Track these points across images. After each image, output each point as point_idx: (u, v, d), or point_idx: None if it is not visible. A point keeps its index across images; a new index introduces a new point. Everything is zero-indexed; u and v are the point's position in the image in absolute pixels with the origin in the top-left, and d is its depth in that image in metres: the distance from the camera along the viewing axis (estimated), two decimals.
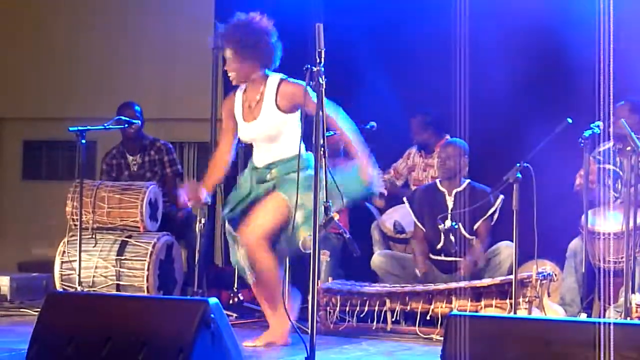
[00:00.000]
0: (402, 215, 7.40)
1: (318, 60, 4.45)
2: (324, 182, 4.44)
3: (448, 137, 7.62)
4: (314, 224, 4.28)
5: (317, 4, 8.01)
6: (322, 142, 4.32)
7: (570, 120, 6.05)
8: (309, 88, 5.12)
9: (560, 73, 7.61)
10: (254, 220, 5.54)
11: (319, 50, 4.45)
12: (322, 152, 4.36)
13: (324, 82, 4.43)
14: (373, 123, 7.37)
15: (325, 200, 4.42)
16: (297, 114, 5.57)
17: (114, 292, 7.05)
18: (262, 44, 5.53)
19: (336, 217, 4.48)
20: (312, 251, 4.26)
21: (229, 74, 5.59)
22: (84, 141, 6.91)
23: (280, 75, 5.58)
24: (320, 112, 4.29)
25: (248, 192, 5.67)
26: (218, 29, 5.65)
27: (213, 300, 4.26)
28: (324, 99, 4.47)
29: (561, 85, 7.60)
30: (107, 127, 7.28)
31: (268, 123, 5.54)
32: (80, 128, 6.92)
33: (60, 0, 9.84)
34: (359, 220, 7.54)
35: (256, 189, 5.64)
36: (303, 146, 5.44)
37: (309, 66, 4.47)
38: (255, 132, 5.60)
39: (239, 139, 5.78)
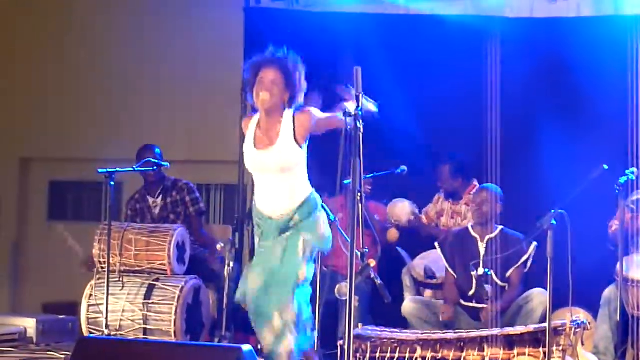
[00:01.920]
0: (432, 260, 7.33)
1: (356, 104, 4.39)
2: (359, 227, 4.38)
3: (476, 182, 7.57)
4: (349, 271, 4.21)
5: (348, 46, 8.02)
6: (359, 187, 4.25)
7: (606, 167, 5.98)
8: (312, 108, 5.36)
9: (595, 118, 7.57)
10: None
11: (357, 94, 4.40)
12: (359, 197, 4.29)
13: (361, 126, 4.37)
14: (404, 167, 7.35)
15: (362, 246, 4.35)
16: (305, 149, 5.48)
17: (141, 336, 6.98)
18: (301, 80, 5.51)
19: (372, 264, 4.41)
20: (347, 298, 4.19)
21: (263, 95, 5.37)
22: (112, 183, 6.87)
23: (291, 111, 5.49)
24: (358, 159, 4.22)
25: (271, 240, 5.50)
26: (266, 53, 5.59)
27: (247, 347, 4.20)
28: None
29: (596, 130, 7.54)
30: (136, 169, 7.25)
31: (284, 150, 5.40)
32: (109, 170, 6.89)
33: (87, 41, 9.84)
34: (389, 264, 7.47)
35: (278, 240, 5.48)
36: (310, 186, 5.50)
37: (347, 110, 4.41)
38: (269, 160, 5.43)
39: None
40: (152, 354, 4.32)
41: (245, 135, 5.56)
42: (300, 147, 5.43)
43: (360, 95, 4.40)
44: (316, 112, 5.41)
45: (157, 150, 7.78)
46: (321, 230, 5.46)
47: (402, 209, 7.57)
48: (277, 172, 5.44)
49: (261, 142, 5.48)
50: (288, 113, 5.45)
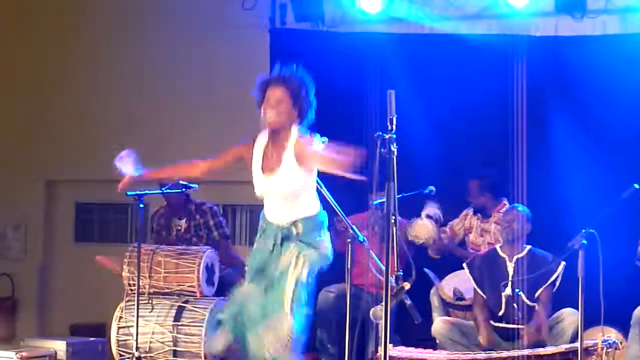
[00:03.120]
0: (460, 281, 7.31)
1: (390, 127, 4.39)
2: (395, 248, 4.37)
3: (506, 201, 7.55)
4: (385, 293, 4.20)
5: (373, 67, 8.04)
6: (393, 210, 4.25)
7: (637, 186, 5.96)
8: (317, 137, 5.33)
9: (623, 137, 7.56)
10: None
11: (391, 117, 4.40)
12: (393, 221, 4.28)
13: (395, 150, 4.37)
14: (432, 187, 7.34)
15: (397, 268, 4.35)
16: (314, 173, 5.48)
17: (171, 358, 7.00)
18: (309, 98, 5.51)
19: (407, 286, 4.41)
20: (383, 321, 4.18)
21: (270, 113, 5.37)
22: (142, 205, 6.88)
23: (297, 132, 5.46)
24: (392, 182, 4.22)
25: (271, 249, 5.51)
26: (274, 70, 5.59)
27: None
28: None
29: (624, 149, 7.53)
30: (165, 191, 7.26)
31: (289, 176, 5.39)
32: (138, 192, 6.90)
33: (113, 62, 9.88)
34: (416, 285, 7.40)
35: (278, 248, 5.49)
36: (320, 205, 5.50)
37: (380, 133, 4.41)
38: (275, 187, 5.43)
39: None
40: None
41: (251, 160, 5.52)
42: (305, 171, 5.41)
43: (394, 118, 4.40)
44: (316, 147, 5.31)
45: None
46: (324, 250, 5.49)
47: (421, 227, 7.54)
48: (283, 197, 5.46)
49: (267, 167, 5.47)
50: (293, 133, 5.42)
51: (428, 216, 7.51)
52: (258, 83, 5.50)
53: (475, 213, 7.81)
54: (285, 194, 5.43)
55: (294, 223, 5.45)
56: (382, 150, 4.41)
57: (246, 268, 5.64)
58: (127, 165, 5.65)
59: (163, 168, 5.86)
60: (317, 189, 6.12)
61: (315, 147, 5.33)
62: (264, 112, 5.41)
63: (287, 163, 5.39)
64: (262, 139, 5.52)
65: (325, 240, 5.52)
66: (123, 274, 7.27)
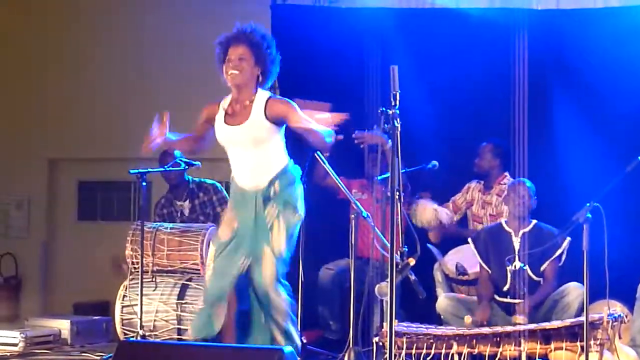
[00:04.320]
0: (464, 256, 7.30)
1: (393, 103, 4.37)
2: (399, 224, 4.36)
3: (507, 174, 7.54)
4: (390, 269, 4.19)
5: (375, 42, 8.00)
6: (397, 185, 4.23)
7: None
8: (292, 102, 5.36)
9: (626, 110, 7.53)
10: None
11: (394, 92, 4.38)
12: (397, 196, 4.27)
13: (399, 125, 4.35)
14: (435, 162, 7.31)
15: (402, 244, 4.34)
16: (282, 129, 5.48)
17: (176, 336, 7.00)
18: (272, 55, 5.51)
19: (412, 262, 4.40)
20: (389, 297, 4.17)
21: (232, 72, 5.38)
22: (144, 183, 6.87)
23: (268, 93, 5.50)
24: (397, 159, 4.20)
25: (253, 218, 5.46)
26: (235, 27, 5.55)
27: (288, 348, 4.17)
28: None
29: (626, 122, 7.50)
30: (167, 169, 7.24)
31: (256, 126, 5.39)
32: (141, 170, 6.89)
33: (113, 41, 9.84)
34: (420, 261, 7.40)
35: (261, 213, 5.45)
36: (289, 158, 5.50)
37: (383, 109, 4.39)
38: (241, 135, 5.41)
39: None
40: (194, 357, 4.31)
41: (215, 117, 5.52)
42: (273, 124, 5.40)
43: (397, 93, 4.37)
44: (295, 109, 5.36)
45: (177, 153, 7.78)
46: (298, 210, 5.47)
47: (423, 211, 7.52)
48: (249, 146, 5.42)
49: (232, 119, 5.46)
50: (262, 94, 5.45)
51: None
52: (218, 42, 5.49)
53: (478, 181, 7.78)
54: (253, 141, 5.39)
55: (271, 183, 5.42)
56: (386, 125, 4.40)
57: (213, 242, 5.57)
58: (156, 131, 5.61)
59: (179, 139, 5.77)
60: (317, 159, 6.11)
61: (297, 111, 5.33)
62: (225, 73, 5.42)
63: (256, 114, 5.39)
64: (225, 101, 5.54)
65: (299, 197, 5.49)
66: (126, 252, 7.26)
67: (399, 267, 4.38)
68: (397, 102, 4.40)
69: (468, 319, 6.55)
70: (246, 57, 5.41)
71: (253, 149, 5.42)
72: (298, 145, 6.46)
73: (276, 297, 5.36)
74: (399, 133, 4.39)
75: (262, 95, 5.45)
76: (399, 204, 4.32)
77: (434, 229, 7.53)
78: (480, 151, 7.68)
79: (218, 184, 7.95)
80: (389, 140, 4.48)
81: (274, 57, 5.51)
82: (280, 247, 5.37)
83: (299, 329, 6.93)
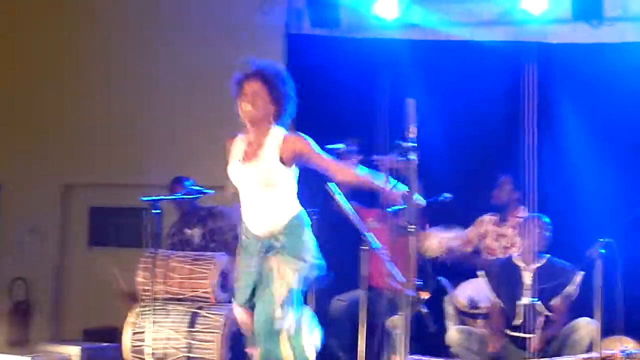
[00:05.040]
0: (475, 289, 7.27)
1: (408, 136, 4.37)
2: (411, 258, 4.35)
3: (523, 208, 7.52)
4: (405, 305, 4.18)
5: (389, 72, 8.02)
6: (413, 219, 4.22)
7: None
8: (309, 138, 5.27)
9: None
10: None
11: (410, 125, 4.38)
12: (411, 230, 4.26)
13: (416, 158, 4.35)
14: (447, 194, 7.30)
15: (416, 278, 4.33)
16: (295, 170, 5.40)
17: None
18: (288, 93, 5.43)
19: (425, 296, 4.39)
20: (401, 331, 4.16)
21: (245, 107, 5.30)
22: (158, 211, 6.86)
23: (283, 130, 5.42)
24: (412, 192, 4.19)
25: (257, 269, 5.38)
26: (251, 62, 5.53)
27: None
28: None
29: None
30: (179, 197, 7.25)
31: (269, 166, 5.30)
32: (153, 198, 6.88)
33: (128, 67, 9.87)
34: (431, 293, 7.42)
35: (261, 262, 5.37)
36: (298, 203, 5.41)
37: (399, 141, 4.39)
38: (251, 174, 5.33)
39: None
40: None
41: (231, 152, 5.47)
42: (286, 167, 5.32)
43: (413, 126, 4.38)
44: (312, 146, 5.31)
45: (187, 183, 7.79)
46: (308, 255, 5.34)
47: (431, 242, 7.50)
48: (260, 187, 5.33)
49: (247, 156, 5.40)
50: (277, 130, 5.36)
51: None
52: (234, 79, 5.42)
53: (493, 214, 7.76)
54: (264, 182, 5.31)
55: (275, 236, 5.32)
56: (400, 158, 4.39)
57: (236, 287, 5.53)
58: None
59: None
60: (328, 192, 6.09)
61: (314, 148, 5.29)
62: (240, 108, 5.34)
63: (268, 154, 5.31)
64: (241, 136, 5.47)
65: (310, 247, 5.37)
66: (137, 279, 7.25)
67: (412, 301, 4.36)
68: (413, 136, 4.39)
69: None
70: (260, 93, 5.34)
71: (263, 191, 5.33)
72: (312, 174, 6.47)
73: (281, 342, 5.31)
74: (415, 166, 4.38)
75: (277, 132, 5.36)
76: (411, 237, 4.30)
77: (447, 255, 7.51)
78: (500, 183, 7.65)
79: (228, 211, 7.92)
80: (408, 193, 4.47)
81: (289, 94, 5.43)
82: (281, 296, 5.27)
83: None
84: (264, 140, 5.34)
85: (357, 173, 5.39)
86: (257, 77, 5.37)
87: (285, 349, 5.21)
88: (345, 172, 5.37)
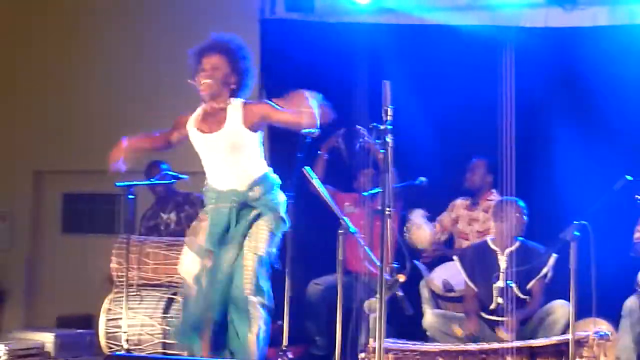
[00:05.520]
0: (450, 273, 7.30)
1: (385, 118, 4.37)
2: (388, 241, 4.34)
3: (494, 192, 7.54)
4: (379, 285, 4.18)
5: (364, 57, 8.01)
6: (388, 202, 4.22)
7: (630, 178, 5.95)
8: (268, 101, 5.34)
9: (613, 128, 7.56)
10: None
11: (386, 107, 4.37)
12: (388, 213, 4.26)
13: (391, 141, 4.35)
14: (423, 178, 7.31)
15: (393, 261, 4.33)
16: (259, 134, 5.45)
17: (160, 350, 6.94)
18: (248, 66, 5.46)
19: (402, 279, 4.39)
20: (377, 314, 4.16)
21: (205, 82, 5.33)
22: (131, 197, 6.82)
23: (241, 99, 5.44)
24: (388, 174, 4.19)
25: (227, 223, 5.42)
26: (211, 36, 5.50)
27: None
28: None
29: (614, 140, 7.53)
30: (154, 182, 7.20)
31: (233, 133, 5.34)
32: (127, 183, 6.84)
33: (100, 54, 9.81)
34: (407, 277, 7.41)
35: (236, 219, 5.40)
36: (268, 166, 5.49)
37: (375, 124, 4.39)
38: (217, 142, 5.36)
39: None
40: None
41: (186, 125, 5.49)
42: (250, 131, 5.36)
43: (389, 109, 4.37)
44: (273, 106, 5.35)
45: (164, 166, 7.75)
46: (279, 216, 5.43)
47: (419, 232, 7.51)
48: (226, 153, 5.38)
49: (206, 127, 5.41)
50: (236, 101, 5.39)
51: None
52: (191, 53, 5.44)
53: (464, 198, 7.78)
54: (230, 147, 5.35)
55: (250, 187, 5.37)
56: (377, 141, 4.39)
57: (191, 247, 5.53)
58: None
59: (139, 137, 5.83)
60: (304, 174, 6.07)
61: (275, 106, 5.33)
62: (199, 81, 5.36)
63: (232, 121, 5.33)
64: (196, 112, 5.50)
65: (282, 204, 5.47)
66: (111, 265, 7.22)
67: (389, 283, 4.36)
68: (389, 118, 4.39)
69: (458, 330, 6.54)
70: (220, 67, 5.36)
71: (230, 155, 5.38)
72: (286, 160, 6.47)
73: (252, 309, 5.30)
74: (390, 149, 4.38)
75: (236, 102, 5.40)
76: (388, 220, 4.30)
77: (429, 248, 7.54)
78: (472, 167, 7.68)
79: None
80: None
81: (249, 68, 5.46)
82: (261, 249, 5.31)
83: (287, 343, 6.94)
84: (223, 112, 5.35)
85: (314, 109, 5.35)
86: (215, 51, 5.38)
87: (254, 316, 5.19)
88: (307, 114, 5.32)
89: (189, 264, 5.48)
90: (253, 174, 5.41)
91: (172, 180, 7.39)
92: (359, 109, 7.40)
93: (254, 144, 5.42)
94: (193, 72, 5.39)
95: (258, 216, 5.37)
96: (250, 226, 5.37)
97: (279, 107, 5.32)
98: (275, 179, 5.52)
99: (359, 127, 6.67)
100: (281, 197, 5.49)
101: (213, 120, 5.40)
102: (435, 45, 8.13)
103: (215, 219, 5.41)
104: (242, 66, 5.42)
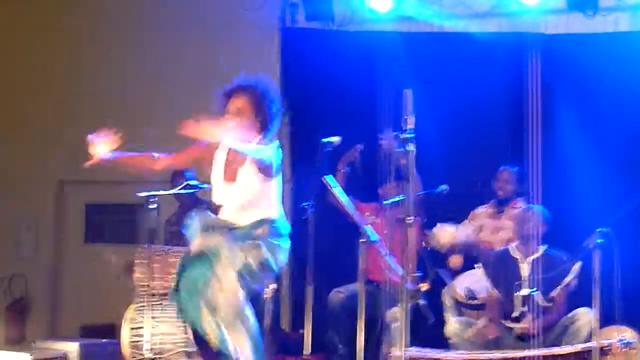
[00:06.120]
0: (472, 280, 7.27)
1: (406, 127, 4.37)
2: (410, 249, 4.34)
3: (520, 200, 7.52)
4: (402, 294, 4.18)
5: (383, 65, 8.02)
6: (410, 210, 4.22)
7: None
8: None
9: (638, 134, 7.51)
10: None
11: (407, 116, 4.38)
12: (409, 222, 4.25)
13: (413, 149, 4.34)
14: (444, 186, 7.29)
15: (416, 270, 4.33)
16: (276, 179, 5.34)
17: (183, 359, 6.95)
18: (273, 108, 5.39)
19: (424, 287, 4.39)
20: (401, 323, 4.16)
21: (229, 123, 5.26)
22: (154, 206, 6.83)
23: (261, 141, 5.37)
24: (410, 183, 4.19)
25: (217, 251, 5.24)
26: (240, 77, 5.49)
27: None
28: None
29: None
30: (177, 192, 7.20)
31: (246, 185, 5.28)
32: (150, 193, 6.85)
33: (125, 63, 9.85)
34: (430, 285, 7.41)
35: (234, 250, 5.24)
36: (281, 212, 5.35)
37: (397, 133, 4.39)
38: (233, 196, 5.32)
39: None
40: None
41: (214, 163, 5.44)
42: (264, 179, 5.27)
43: (410, 117, 4.37)
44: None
45: (189, 174, 7.76)
46: (279, 256, 5.28)
47: (442, 233, 7.49)
48: (240, 206, 5.32)
49: (227, 175, 5.38)
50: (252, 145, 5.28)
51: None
52: (219, 92, 5.41)
53: (487, 206, 7.74)
54: (243, 203, 5.29)
55: (259, 223, 5.26)
56: (400, 149, 4.39)
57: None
58: (101, 145, 5.61)
59: (132, 155, 5.81)
60: (326, 185, 6.06)
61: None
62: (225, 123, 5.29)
63: (245, 172, 5.28)
64: (222, 149, 5.42)
65: (282, 248, 5.30)
66: (135, 275, 7.23)
67: (411, 292, 4.36)
68: (411, 126, 4.39)
69: (473, 330, 6.55)
70: (245, 110, 5.33)
71: (244, 209, 5.31)
72: (308, 168, 6.47)
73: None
74: (413, 157, 4.38)
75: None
76: (410, 228, 4.30)
77: (457, 251, 7.51)
78: (502, 175, 7.62)
79: None
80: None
81: (274, 112, 5.39)
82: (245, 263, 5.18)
83: (309, 352, 6.93)
84: (241, 159, 5.29)
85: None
86: (242, 93, 5.35)
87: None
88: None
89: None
90: (262, 216, 5.32)
91: (194, 190, 7.39)
92: (380, 117, 7.41)
93: (268, 191, 5.33)
94: (220, 111, 5.38)
95: (257, 247, 5.28)
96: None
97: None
98: (285, 226, 5.38)
99: (381, 136, 6.67)
100: (285, 245, 5.35)
101: (232, 168, 5.35)
102: (456, 53, 8.14)
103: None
104: (268, 109, 5.37)
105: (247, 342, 5.09)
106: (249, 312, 5.18)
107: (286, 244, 5.36)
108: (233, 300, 5.07)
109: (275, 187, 5.35)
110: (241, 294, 5.09)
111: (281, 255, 5.32)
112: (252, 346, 5.10)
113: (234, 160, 5.37)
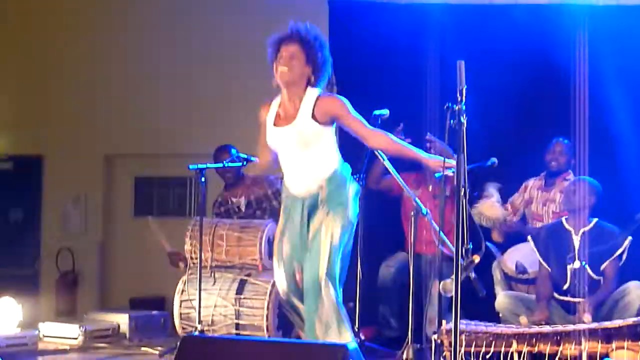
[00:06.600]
0: (523, 254, 7.24)
1: (459, 99, 4.34)
2: (463, 223, 4.32)
3: (571, 172, 7.47)
4: (455, 266, 4.17)
5: (433, 38, 7.97)
6: (463, 182, 4.20)
7: None
8: (344, 99, 5.28)
9: None
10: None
11: (461, 87, 4.34)
12: (463, 193, 4.23)
13: (465, 121, 4.32)
14: (494, 159, 7.24)
15: (467, 242, 4.31)
16: (332, 128, 5.40)
17: (234, 331, 7.01)
18: (324, 56, 5.43)
19: (477, 260, 4.37)
20: (454, 295, 4.15)
21: (282, 69, 5.30)
22: (203, 179, 6.87)
23: (318, 90, 5.40)
24: (462, 155, 4.16)
25: (299, 229, 5.41)
26: (290, 25, 5.50)
27: (352, 345, 4.16)
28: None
29: None
30: (226, 164, 7.22)
31: (304, 126, 5.31)
32: (200, 166, 6.88)
33: (165, 39, 9.87)
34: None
35: (305, 223, 5.39)
36: (340, 159, 5.40)
37: (450, 104, 4.36)
38: (288, 136, 5.35)
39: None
40: (257, 351, 4.31)
41: (266, 117, 5.49)
42: (322, 125, 5.32)
43: (464, 88, 4.34)
44: (347, 108, 5.32)
45: (233, 151, 7.79)
46: (350, 211, 5.33)
47: (489, 208, 7.47)
48: (299, 148, 5.36)
49: (281, 120, 5.42)
50: (312, 92, 5.37)
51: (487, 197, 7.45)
52: (270, 41, 5.43)
53: (537, 178, 7.70)
54: (301, 143, 5.34)
55: (320, 188, 5.34)
56: (452, 121, 4.37)
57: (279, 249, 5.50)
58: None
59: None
60: (375, 156, 6.05)
61: (349, 110, 5.31)
62: (276, 71, 5.35)
63: (304, 114, 5.32)
64: (276, 100, 5.50)
65: (350, 199, 5.36)
66: (185, 247, 7.29)
67: (464, 265, 4.35)
68: (464, 98, 4.36)
69: (523, 319, 6.49)
70: (297, 56, 5.35)
71: (301, 151, 5.36)
72: (356, 141, 6.45)
73: (325, 295, 5.24)
74: (464, 129, 4.36)
75: (312, 93, 5.37)
76: (464, 201, 4.28)
77: (498, 227, 7.49)
78: (556, 147, 7.57)
79: (273, 178, 7.90)
80: (454, 156, 4.45)
81: (326, 58, 5.43)
82: (335, 240, 5.28)
83: (357, 325, 6.94)
84: (299, 102, 5.36)
85: (392, 140, 5.39)
86: (294, 40, 5.38)
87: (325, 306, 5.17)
88: (379, 137, 5.39)
89: (279, 279, 5.49)
90: (323, 172, 5.36)
91: (243, 163, 7.39)
92: (428, 89, 7.38)
93: (325, 138, 5.37)
94: (271, 60, 5.40)
95: (328, 214, 5.33)
96: (321, 226, 5.34)
97: (353, 112, 5.31)
98: (346, 172, 5.44)
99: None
100: (351, 191, 5.40)
101: (287, 114, 5.41)
102: (506, 24, 8.05)
103: (291, 231, 5.43)
104: (319, 55, 5.41)
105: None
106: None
107: (352, 189, 5.44)
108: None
109: (331, 134, 5.43)
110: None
111: (351, 204, 5.42)
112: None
113: (289, 108, 5.42)
